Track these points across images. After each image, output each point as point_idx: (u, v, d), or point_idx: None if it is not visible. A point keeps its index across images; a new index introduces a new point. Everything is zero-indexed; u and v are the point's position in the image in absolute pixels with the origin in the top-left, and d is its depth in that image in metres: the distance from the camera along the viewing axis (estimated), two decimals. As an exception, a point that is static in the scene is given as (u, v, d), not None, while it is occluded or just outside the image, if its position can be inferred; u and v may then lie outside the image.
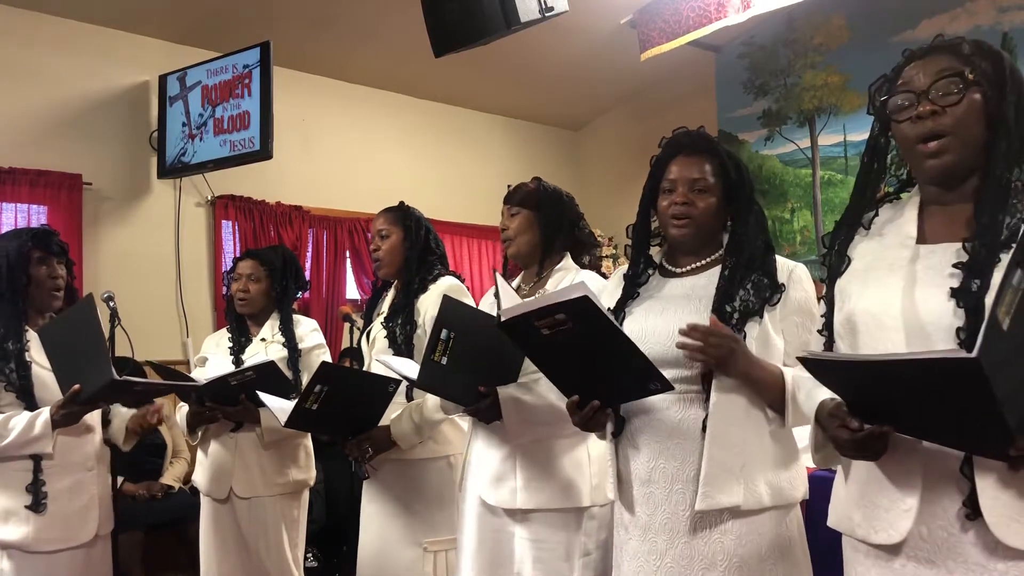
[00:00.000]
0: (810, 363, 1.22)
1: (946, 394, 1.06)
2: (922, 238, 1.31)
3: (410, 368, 2.23)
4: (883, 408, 1.18)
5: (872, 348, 1.28)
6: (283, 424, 2.32)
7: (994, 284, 1.13)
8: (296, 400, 2.30)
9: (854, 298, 1.33)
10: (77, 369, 2.20)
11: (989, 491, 1.16)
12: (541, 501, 2.03)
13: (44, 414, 2.21)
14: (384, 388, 2.32)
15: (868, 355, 1.25)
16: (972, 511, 1.16)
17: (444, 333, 1.99)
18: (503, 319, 1.60)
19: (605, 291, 1.87)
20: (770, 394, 1.58)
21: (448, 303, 2.06)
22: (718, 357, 1.54)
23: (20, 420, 2.20)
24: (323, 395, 2.21)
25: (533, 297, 2.14)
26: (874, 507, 1.28)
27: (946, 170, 1.26)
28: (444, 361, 1.99)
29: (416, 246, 2.57)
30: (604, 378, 1.63)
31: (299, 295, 3.04)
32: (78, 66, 4.48)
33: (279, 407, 2.38)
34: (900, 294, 1.25)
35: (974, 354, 0.98)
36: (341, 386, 2.27)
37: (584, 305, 1.47)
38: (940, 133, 1.24)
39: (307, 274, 5.15)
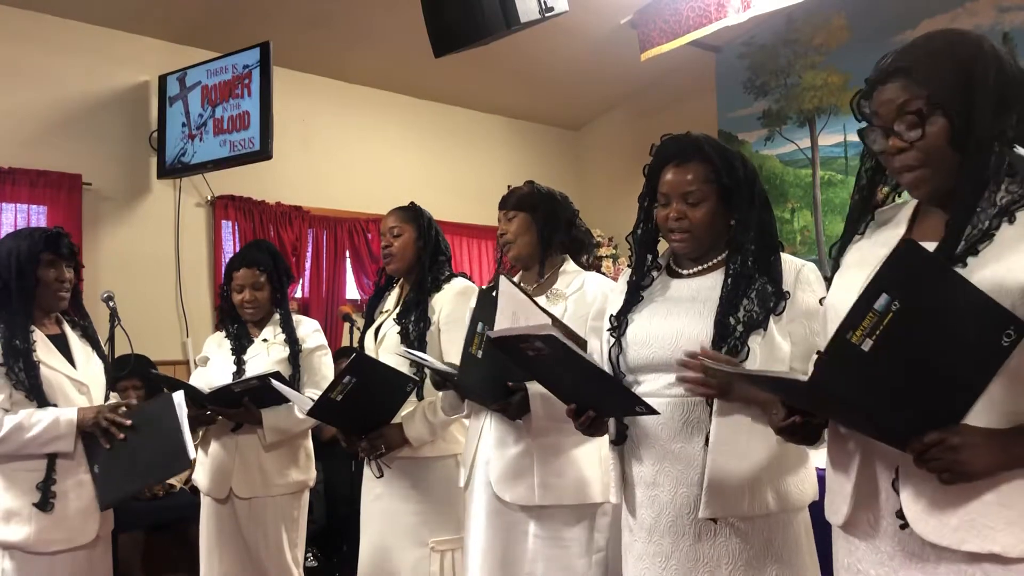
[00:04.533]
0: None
1: (831, 403, 1.16)
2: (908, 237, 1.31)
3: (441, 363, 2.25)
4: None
5: None
6: (306, 413, 2.36)
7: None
8: (324, 389, 2.32)
9: (830, 292, 1.37)
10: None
11: (911, 491, 1.18)
12: (559, 497, 2.04)
13: (70, 414, 2.23)
14: (404, 386, 2.34)
15: (756, 370, 1.49)
16: (904, 522, 1.19)
17: (479, 326, 2.01)
18: (492, 337, 1.64)
19: (613, 293, 1.87)
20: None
21: (483, 297, 2.07)
22: (719, 387, 1.54)
23: (46, 416, 2.21)
24: (350, 387, 2.23)
25: (542, 298, 2.14)
26: (830, 490, 1.34)
27: (928, 196, 1.28)
28: (479, 355, 2.01)
29: (428, 244, 2.60)
30: (590, 396, 1.64)
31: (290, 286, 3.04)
32: (78, 66, 4.47)
33: (299, 397, 2.43)
34: (862, 286, 1.26)
35: (806, 380, 1.14)
36: (368, 380, 2.28)
37: (553, 341, 1.49)
38: (911, 167, 1.25)
39: (307, 274, 5.18)
